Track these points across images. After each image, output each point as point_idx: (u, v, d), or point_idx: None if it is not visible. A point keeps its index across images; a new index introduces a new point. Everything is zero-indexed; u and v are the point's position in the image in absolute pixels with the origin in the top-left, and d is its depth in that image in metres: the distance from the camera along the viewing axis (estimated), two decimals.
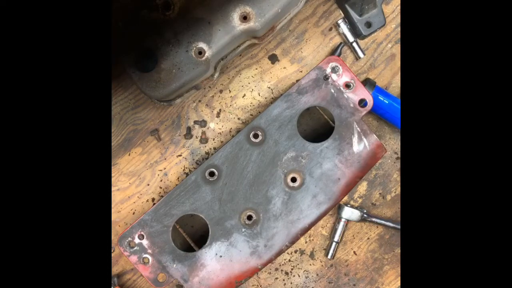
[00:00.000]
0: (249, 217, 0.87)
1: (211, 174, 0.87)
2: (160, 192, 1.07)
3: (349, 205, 1.04)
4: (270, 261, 0.87)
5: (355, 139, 0.87)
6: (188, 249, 0.90)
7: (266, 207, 0.87)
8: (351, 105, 0.88)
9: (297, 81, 1.04)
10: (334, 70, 0.88)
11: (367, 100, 0.88)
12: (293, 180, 0.87)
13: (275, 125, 0.88)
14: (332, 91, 0.88)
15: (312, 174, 0.87)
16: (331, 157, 0.87)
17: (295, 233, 0.87)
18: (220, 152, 0.88)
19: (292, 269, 1.06)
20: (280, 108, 0.88)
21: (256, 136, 0.88)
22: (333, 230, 1.06)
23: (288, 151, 0.88)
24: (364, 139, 0.87)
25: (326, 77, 0.88)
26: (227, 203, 0.87)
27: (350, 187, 0.88)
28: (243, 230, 0.87)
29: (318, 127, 0.98)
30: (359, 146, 0.87)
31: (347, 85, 0.88)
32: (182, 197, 0.87)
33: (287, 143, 0.88)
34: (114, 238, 1.05)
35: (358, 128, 0.87)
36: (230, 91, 1.07)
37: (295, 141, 0.88)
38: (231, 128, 1.07)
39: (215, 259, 0.86)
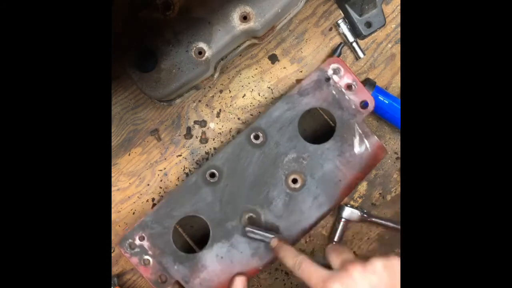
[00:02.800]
0: (250, 219, 0.86)
1: (212, 175, 0.87)
2: (160, 192, 1.07)
3: (349, 205, 1.04)
4: (271, 262, 0.87)
5: (356, 140, 0.87)
6: (189, 250, 0.90)
7: (267, 208, 0.87)
8: (353, 106, 0.88)
9: (297, 81, 1.04)
10: (335, 71, 0.88)
11: (369, 102, 0.88)
12: (294, 181, 0.87)
13: (276, 127, 0.88)
14: (334, 92, 0.88)
15: (313, 175, 0.87)
16: (332, 159, 0.87)
17: (295, 235, 0.87)
18: (221, 153, 0.88)
19: None
20: (281, 109, 0.88)
21: (257, 137, 0.88)
22: (333, 230, 1.06)
23: (289, 153, 0.87)
24: (366, 140, 0.87)
25: (327, 79, 0.88)
26: (228, 204, 0.87)
27: (351, 188, 0.88)
28: None
29: (319, 129, 0.98)
30: (360, 147, 0.87)
31: (349, 87, 0.88)
32: (183, 198, 0.87)
33: (288, 144, 0.88)
34: (114, 238, 1.05)
35: (360, 130, 0.87)
36: (230, 91, 1.07)
37: (296, 143, 0.87)
38: (231, 128, 1.07)
39: (216, 260, 0.86)
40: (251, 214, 0.86)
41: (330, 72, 0.88)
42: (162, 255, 0.86)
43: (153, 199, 1.07)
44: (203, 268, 0.86)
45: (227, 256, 0.86)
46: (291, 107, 0.88)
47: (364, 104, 0.88)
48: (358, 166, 0.87)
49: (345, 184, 0.87)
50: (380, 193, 1.07)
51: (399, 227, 1.04)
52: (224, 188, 0.87)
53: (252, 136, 0.88)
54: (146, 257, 0.86)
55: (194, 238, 0.93)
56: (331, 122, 0.90)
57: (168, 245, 0.86)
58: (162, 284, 0.86)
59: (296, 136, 0.88)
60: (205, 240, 0.87)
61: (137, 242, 0.86)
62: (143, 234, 0.86)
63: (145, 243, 0.86)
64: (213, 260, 0.86)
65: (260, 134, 0.88)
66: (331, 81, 0.88)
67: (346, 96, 0.88)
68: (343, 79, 0.88)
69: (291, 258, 0.75)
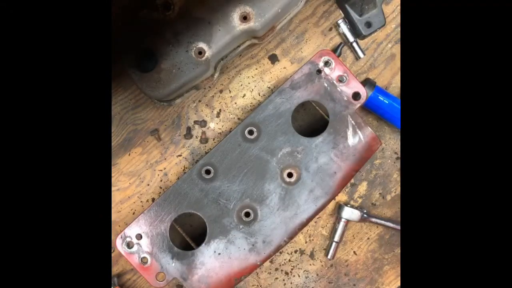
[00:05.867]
0: (247, 214, 0.87)
1: (207, 172, 0.87)
2: (160, 192, 1.07)
3: (349, 205, 1.04)
4: (269, 257, 0.87)
5: (349, 132, 0.87)
6: (187, 247, 0.90)
7: (263, 203, 0.87)
8: (345, 98, 0.88)
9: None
10: (326, 64, 0.88)
11: (361, 93, 0.88)
12: (290, 175, 0.87)
13: (270, 121, 0.88)
14: (326, 85, 0.88)
15: (308, 168, 0.87)
16: (327, 151, 0.87)
17: (293, 228, 0.87)
18: (216, 150, 0.88)
19: (292, 269, 1.06)
20: (274, 103, 0.88)
21: (251, 132, 0.88)
22: (333, 230, 1.06)
23: (283, 147, 0.88)
24: (359, 132, 0.87)
25: (319, 71, 0.88)
26: (224, 200, 0.87)
27: (346, 180, 0.88)
28: (241, 227, 0.87)
29: (314, 122, 0.98)
30: (354, 139, 0.87)
31: (340, 79, 0.88)
32: (179, 196, 0.87)
33: (282, 138, 0.88)
34: (114, 238, 1.05)
35: (353, 121, 0.87)
36: (230, 91, 1.07)
37: (290, 136, 0.88)
38: (231, 128, 1.07)
39: (214, 257, 0.86)
40: (247, 210, 0.87)
41: (321, 64, 0.88)
42: (160, 253, 0.86)
43: (153, 199, 1.07)
44: (201, 265, 0.86)
45: (225, 252, 0.86)
46: (284, 100, 0.88)
47: (357, 96, 0.88)
48: (353, 158, 0.87)
49: (341, 176, 0.87)
50: (380, 193, 1.07)
51: (399, 227, 1.04)
52: (220, 184, 0.87)
53: (246, 132, 0.88)
54: (144, 255, 0.86)
55: (193, 236, 0.94)
56: (325, 116, 0.90)
57: (166, 243, 0.86)
58: (160, 282, 0.86)
59: (290, 130, 0.88)
60: (203, 237, 0.87)
61: (135, 240, 0.86)
62: (140, 232, 0.86)
63: (143, 242, 0.86)
64: (211, 256, 0.86)
65: (254, 129, 0.88)
66: (322, 73, 0.88)
67: (338, 88, 0.88)
68: (334, 71, 0.88)
69: None
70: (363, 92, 0.88)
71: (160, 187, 1.07)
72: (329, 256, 1.05)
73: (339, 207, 1.05)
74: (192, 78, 0.93)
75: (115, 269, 1.06)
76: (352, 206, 1.04)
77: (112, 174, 1.06)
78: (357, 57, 1.07)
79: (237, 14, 0.91)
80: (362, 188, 1.07)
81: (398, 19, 1.07)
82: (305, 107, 1.00)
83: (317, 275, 1.07)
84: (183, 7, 0.92)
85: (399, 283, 1.06)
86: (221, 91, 1.07)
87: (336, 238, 1.04)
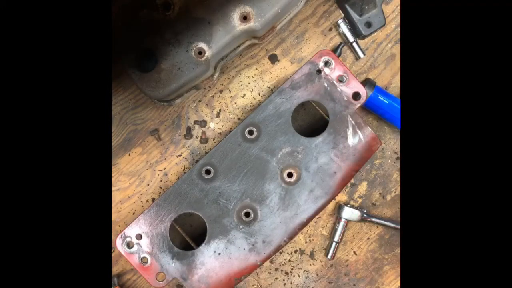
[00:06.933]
0: (247, 214, 0.87)
1: (207, 172, 0.88)
2: (160, 192, 1.07)
3: (349, 205, 1.04)
4: (269, 257, 0.87)
5: (349, 132, 0.87)
6: (187, 248, 0.90)
7: (263, 203, 0.87)
8: (345, 98, 0.88)
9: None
10: (326, 64, 0.88)
11: (361, 93, 0.88)
12: (290, 175, 0.87)
13: (270, 121, 0.88)
14: (325, 85, 0.88)
15: (308, 168, 0.87)
16: (327, 151, 0.87)
17: (293, 228, 0.87)
18: (216, 150, 0.88)
19: (292, 269, 1.06)
20: (274, 103, 0.89)
21: (251, 132, 0.88)
22: (333, 230, 1.06)
23: (283, 147, 0.88)
24: (359, 132, 0.87)
25: (319, 71, 0.88)
26: (224, 200, 0.87)
27: (346, 180, 0.88)
28: (241, 227, 0.87)
29: (314, 122, 0.98)
30: (354, 139, 0.87)
31: (340, 79, 0.88)
32: (179, 196, 0.87)
33: (282, 138, 0.88)
34: (114, 238, 1.05)
35: (353, 121, 0.87)
36: (230, 91, 1.07)
37: (290, 136, 0.88)
38: (231, 128, 1.07)
39: (214, 257, 0.86)
40: (247, 210, 0.87)
41: (321, 64, 0.88)
42: (160, 253, 0.86)
43: (153, 199, 1.07)
44: (201, 265, 0.86)
45: (225, 252, 0.86)
46: (284, 100, 0.88)
47: (357, 96, 0.88)
48: (353, 158, 0.87)
49: (341, 176, 0.87)
50: (380, 193, 1.07)
51: (399, 227, 1.04)
52: (220, 184, 0.87)
53: (246, 132, 0.88)
54: (144, 255, 0.86)
55: (193, 236, 0.94)
56: (325, 116, 0.90)
57: (166, 243, 0.86)
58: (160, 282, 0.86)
59: (290, 130, 0.88)
60: (204, 238, 0.87)
61: (135, 240, 0.86)
62: (140, 232, 0.87)
63: (143, 242, 0.86)
64: (211, 256, 0.86)
65: (254, 129, 0.88)
66: (322, 73, 0.88)
67: (338, 88, 0.88)
68: (334, 71, 0.88)
69: None
70: (363, 92, 0.88)
71: (160, 187, 1.07)
72: (329, 256, 1.05)
73: (339, 207, 1.05)
74: (192, 78, 0.93)
75: (115, 269, 1.06)
76: (352, 206, 1.04)
77: (112, 174, 1.06)
78: (357, 57, 1.07)
79: (237, 14, 0.91)
80: (362, 188, 1.07)
81: (398, 19, 1.07)
82: (305, 107, 1.00)
83: (317, 275, 1.07)
84: (183, 7, 0.92)
85: (399, 283, 1.06)
86: (221, 91, 1.07)
87: (336, 238, 1.04)
